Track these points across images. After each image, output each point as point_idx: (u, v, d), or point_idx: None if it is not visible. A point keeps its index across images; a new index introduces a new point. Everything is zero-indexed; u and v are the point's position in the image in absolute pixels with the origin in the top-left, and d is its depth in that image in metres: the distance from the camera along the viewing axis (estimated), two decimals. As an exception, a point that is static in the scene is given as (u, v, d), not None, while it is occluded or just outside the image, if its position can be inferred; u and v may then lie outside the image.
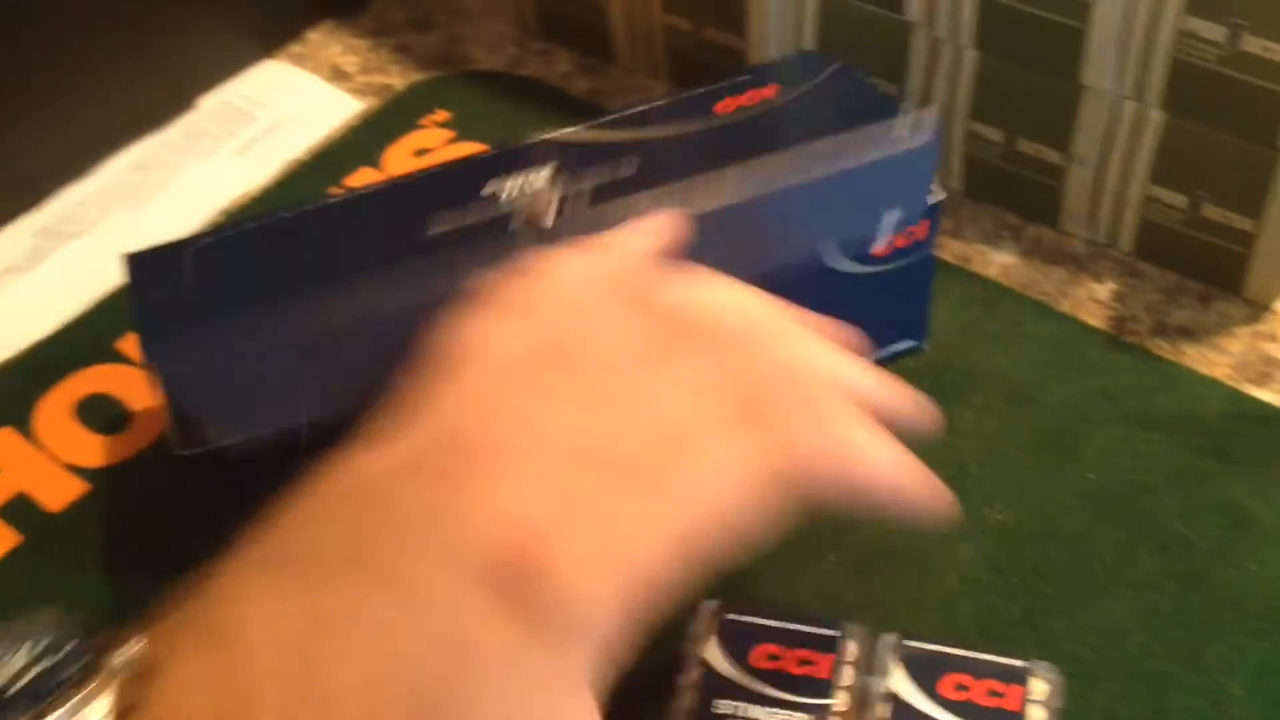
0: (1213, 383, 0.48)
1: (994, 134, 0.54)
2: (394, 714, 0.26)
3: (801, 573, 0.43)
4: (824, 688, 0.35)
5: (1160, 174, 0.50)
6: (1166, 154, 0.50)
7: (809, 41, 0.56)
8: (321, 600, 0.28)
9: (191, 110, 0.61)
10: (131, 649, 0.28)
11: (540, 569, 0.27)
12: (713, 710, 0.34)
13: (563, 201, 0.43)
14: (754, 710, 0.34)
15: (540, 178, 0.44)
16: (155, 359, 0.40)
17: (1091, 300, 0.52)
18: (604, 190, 0.44)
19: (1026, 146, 0.53)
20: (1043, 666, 0.34)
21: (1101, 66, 0.49)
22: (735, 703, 0.35)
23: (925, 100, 0.54)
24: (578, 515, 0.28)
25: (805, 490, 0.31)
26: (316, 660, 0.27)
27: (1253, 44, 0.45)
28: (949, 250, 0.54)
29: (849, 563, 0.43)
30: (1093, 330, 0.50)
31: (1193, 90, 0.48)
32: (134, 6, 0.58)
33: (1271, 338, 0.50)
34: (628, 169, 0.44)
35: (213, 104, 0.62)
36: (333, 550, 0.28)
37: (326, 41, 0.65)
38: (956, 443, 0.47)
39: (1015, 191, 0.55)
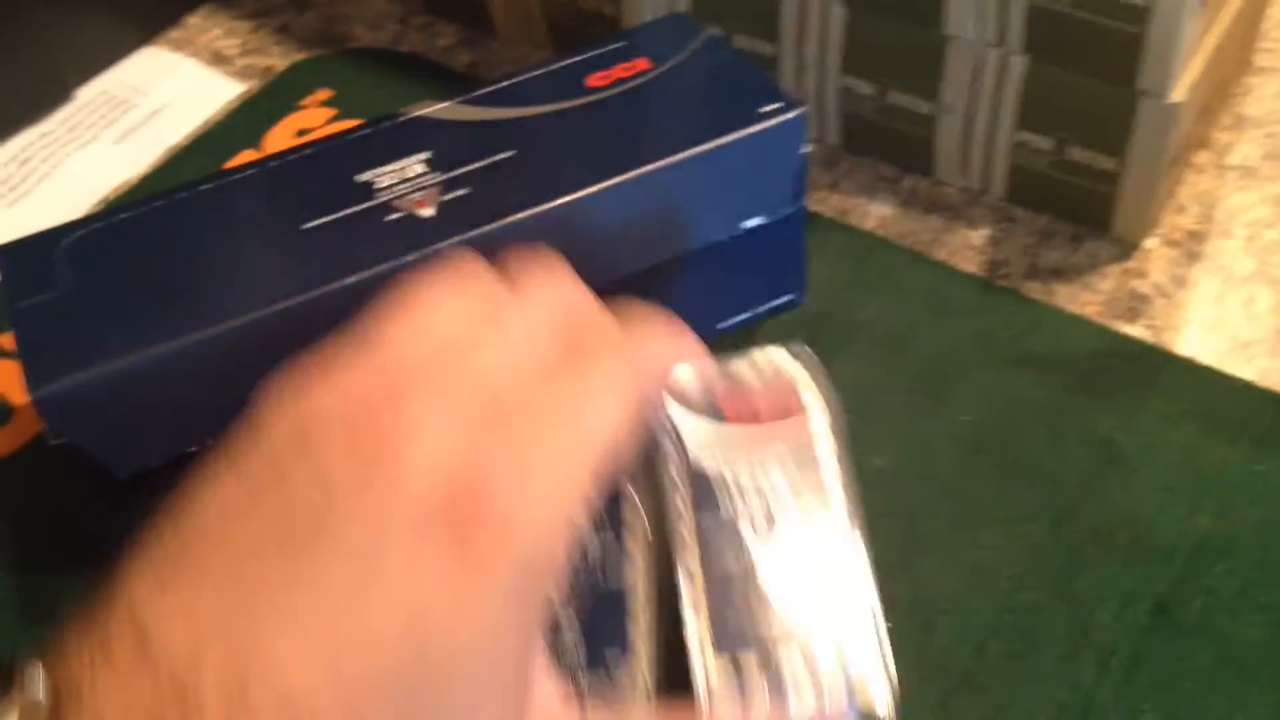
0: (1083, 321, 0.49)
1: (866, 88, 0.54)
2: (371, 705, 0.25)
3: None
4: None
5: (1026, 119, 0.51)
6: (1031, 99, 0.51)
7: (683, 5, 0.56)
8: (256, 591, 0.26)
9: (70, 101, 0.61)
10: (41, 679, 0.26)
11: (483, 509, 0.27)
12: None
13: (440, 190, 0.44)
14: None
15: (415, 164, 0.45)
16: (40, 397, 0.39)
17: (967, 247, 0.53)
18: (481, 177, 0.44)
19: (898, 98, 0.54)
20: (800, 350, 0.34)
21: (963, 15, 0.50)
22: None
23: (799, 54, 0.55)
24: (505, 452, 0.28)
25: (647, 401, 0.31)
26: (262, 666, 0.25)
27: (1104, -14, 0.46)
28: (829, 204, 0.55)
29: (731, 515, 0.44)
30: (967, 276, 0.51)
31: (1051, 34, 0.48)
32: (5, 2, 0.57)
33: (1139, 274, 0.51)
34: (503, 153, 0.45)
35: (91, 93, 0.61)
36: (256, 531, 0.27)
37: (206, 25, 0.65)
38: (836, 393, 0.47)
39: (890, 143, 0.55)
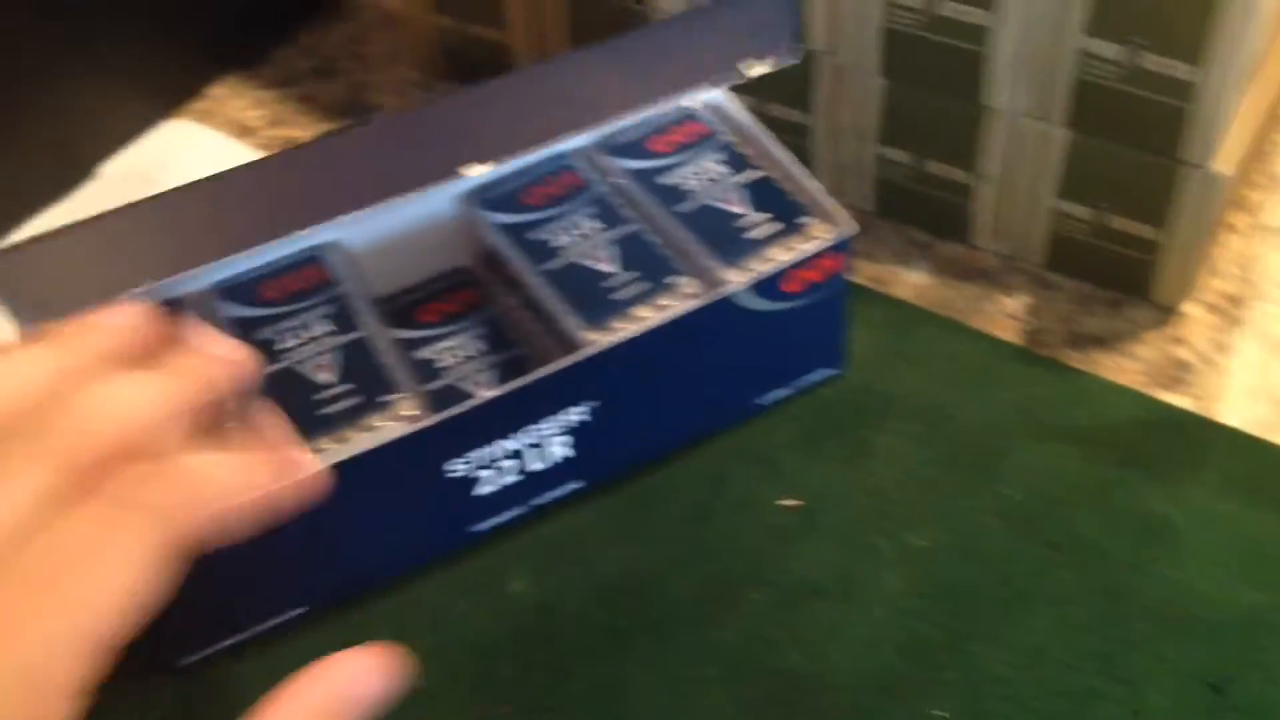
0: (1125, 390, 0.49)
1: (902, 156, 0.54)
2: None
3: (728, 611, 0.43)
4: None
5: (1066, 189, 0.51)
6: (1072, 169, 0.50)
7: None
8: None
9: (93, 179, 0.60)
10: None
11: None
12: None
13: None
14: None
15: None
16: None
17: (1004, 315, 0.52)
18: None
19: (935, 168, 0.53)
20: None
21: (1003, 88, 0.49)
22: None
23: (834, 121, 0.54)
24: None
25: (189, 543, 0.27)
26: None
27: (1151, 61, 0.46)
28: (863, 273, 0.54)
29: (774, 600, 0.43)
30: (1006, 345, 0.51)
31: (1095, 107, 0.48)
32: (25, 80, 0.57)
33: (1179, 341, 0.50)
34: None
35: (116, 169, 0.61)
36: None
37: (230, 96, 0.65)
38: (876, 469, 0.47)
39: (925, 209, 0.55)
